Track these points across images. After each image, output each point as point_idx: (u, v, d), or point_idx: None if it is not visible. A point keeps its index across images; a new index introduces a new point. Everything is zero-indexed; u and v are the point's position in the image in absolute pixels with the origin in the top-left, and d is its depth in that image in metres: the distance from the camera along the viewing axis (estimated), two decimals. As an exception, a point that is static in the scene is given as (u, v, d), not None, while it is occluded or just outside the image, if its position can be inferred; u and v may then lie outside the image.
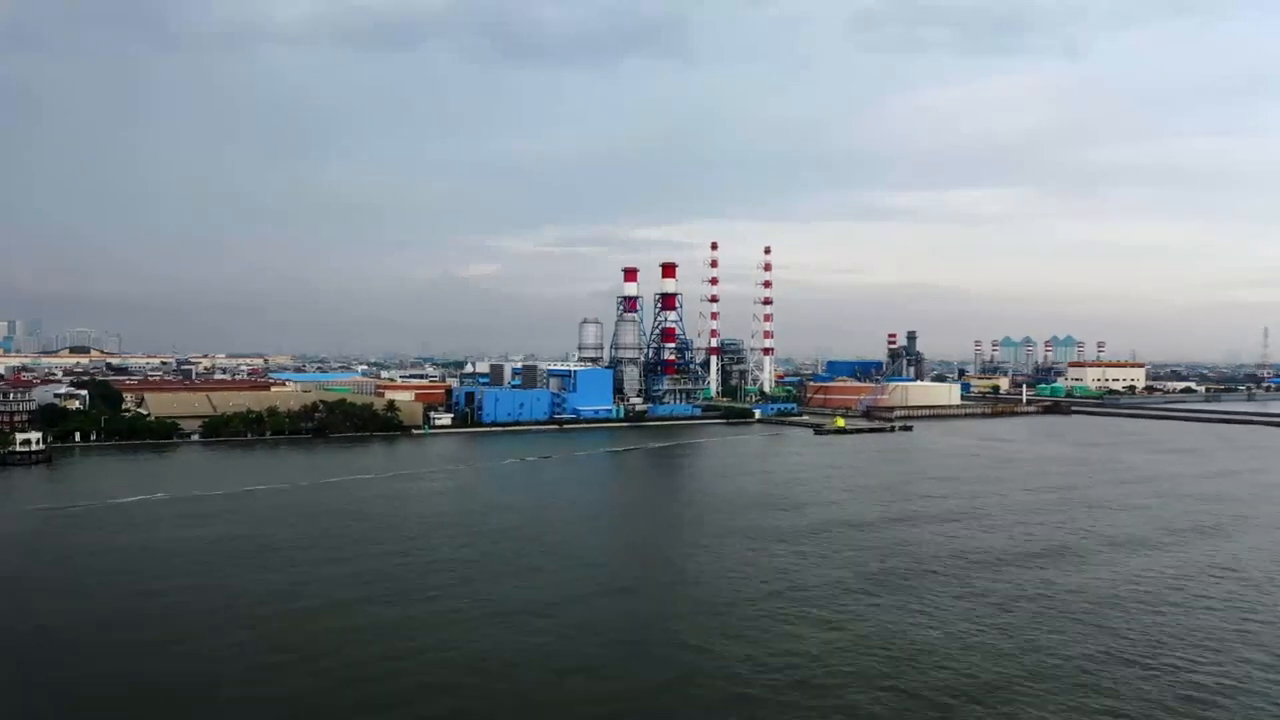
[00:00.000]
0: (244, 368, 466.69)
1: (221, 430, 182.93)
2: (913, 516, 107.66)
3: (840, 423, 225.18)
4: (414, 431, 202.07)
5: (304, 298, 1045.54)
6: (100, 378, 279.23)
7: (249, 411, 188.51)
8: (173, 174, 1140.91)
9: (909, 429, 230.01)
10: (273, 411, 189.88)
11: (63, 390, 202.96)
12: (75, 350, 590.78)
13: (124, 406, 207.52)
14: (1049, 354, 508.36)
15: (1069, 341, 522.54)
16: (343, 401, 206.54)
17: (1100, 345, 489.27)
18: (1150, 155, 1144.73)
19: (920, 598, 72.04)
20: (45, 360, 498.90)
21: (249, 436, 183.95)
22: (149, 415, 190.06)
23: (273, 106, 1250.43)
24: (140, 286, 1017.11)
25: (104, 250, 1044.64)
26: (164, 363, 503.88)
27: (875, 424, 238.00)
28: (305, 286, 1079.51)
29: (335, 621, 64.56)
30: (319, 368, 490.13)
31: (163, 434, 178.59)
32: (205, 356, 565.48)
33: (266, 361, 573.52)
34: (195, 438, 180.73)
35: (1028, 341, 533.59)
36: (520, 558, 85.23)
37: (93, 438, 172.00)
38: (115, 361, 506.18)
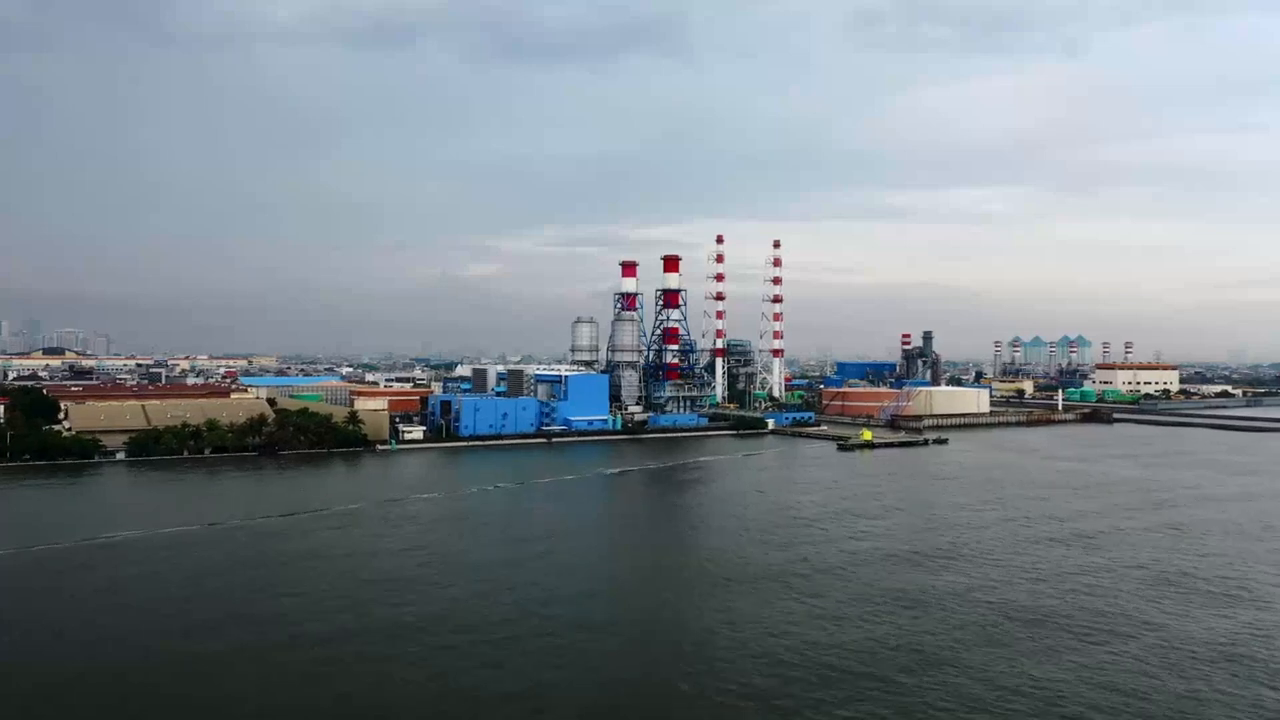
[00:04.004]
0: (222, 370, 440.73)
1: (152, 447, 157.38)
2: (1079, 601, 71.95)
3: (867, 435, 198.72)
4: (379, 447, 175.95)
5: (304, 298, 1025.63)
6: (40, 384, 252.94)
7: (184, 425, 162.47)
8: (172, 174, 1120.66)
9: (944, 441, 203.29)
10: (212, 425, 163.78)
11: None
12: (49, 352, 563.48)
13: (59, 418, 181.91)
14: (1074, 354, 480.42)
15: (1082, 341, 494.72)
16: (304, 411, 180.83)
17: (1128, 346, 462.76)
18: (1150, 154, 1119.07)
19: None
20: (16, 362, 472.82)
21: (185, 454, 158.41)
22: (70, 429, 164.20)
23: (271, 106, 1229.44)
24: (140, 287, 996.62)
25: (104, 250, 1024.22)
26: (140, 364, 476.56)
27: (905, 436, 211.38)
28: (305, 286, 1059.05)
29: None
30: (303, 370, 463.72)
31: (81, 452, 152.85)
32: (186, 358, 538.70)
33: (250, 363, 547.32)
34: (121, 455, 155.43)
35: (1037, 341, 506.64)
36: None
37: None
38: (89, 364, 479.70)
